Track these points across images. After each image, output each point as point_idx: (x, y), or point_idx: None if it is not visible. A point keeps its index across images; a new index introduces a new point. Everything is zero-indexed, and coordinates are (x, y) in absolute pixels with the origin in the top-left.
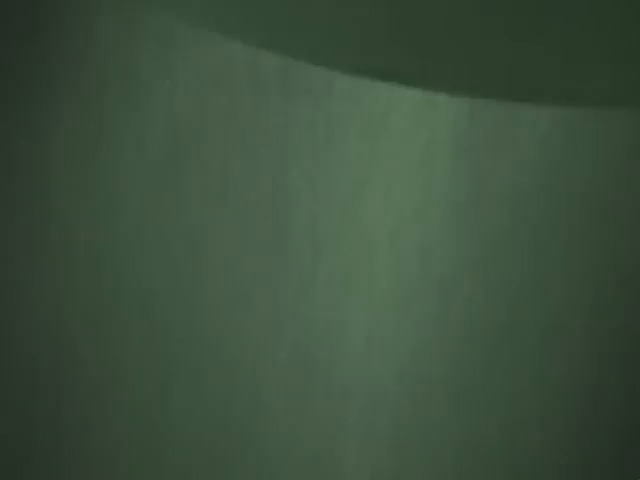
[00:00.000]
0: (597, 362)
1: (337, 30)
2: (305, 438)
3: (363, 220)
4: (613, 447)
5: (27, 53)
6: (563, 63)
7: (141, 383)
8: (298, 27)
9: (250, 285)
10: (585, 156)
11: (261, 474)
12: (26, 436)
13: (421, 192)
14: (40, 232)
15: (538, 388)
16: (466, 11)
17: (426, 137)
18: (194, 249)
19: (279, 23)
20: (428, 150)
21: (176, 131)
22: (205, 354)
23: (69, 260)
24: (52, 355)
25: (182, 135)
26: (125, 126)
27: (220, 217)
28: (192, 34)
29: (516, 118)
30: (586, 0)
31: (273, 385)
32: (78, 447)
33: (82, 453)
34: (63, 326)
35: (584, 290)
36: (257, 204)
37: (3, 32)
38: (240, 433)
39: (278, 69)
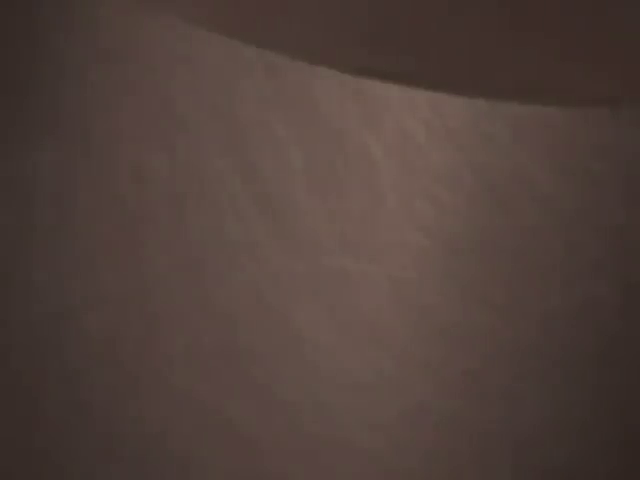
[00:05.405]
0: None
1: (336, 30)
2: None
3: (363, 219)
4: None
5: (26, 52)
6: (562, 63)
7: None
8: (297, 27)
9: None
10: (585, 156)
11: None
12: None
13: (420, 192)
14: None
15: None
16: (466, 10)
17: (426, 136)
18: (195, 251)
19: (279, 23)
20: (427, 150)
21: (175, 132)
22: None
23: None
24: (54, 352)
25: (181, 136)
26: (125, 126)
27: (219, 218)
28: (192, 34)
29: (515, 118)
30: (586, 0)
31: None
32: (65, 444)
33: (74, 449)
34: (63, 320)
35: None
36: (256, 204)
37: (2, 33)
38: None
39: (278, 69)
